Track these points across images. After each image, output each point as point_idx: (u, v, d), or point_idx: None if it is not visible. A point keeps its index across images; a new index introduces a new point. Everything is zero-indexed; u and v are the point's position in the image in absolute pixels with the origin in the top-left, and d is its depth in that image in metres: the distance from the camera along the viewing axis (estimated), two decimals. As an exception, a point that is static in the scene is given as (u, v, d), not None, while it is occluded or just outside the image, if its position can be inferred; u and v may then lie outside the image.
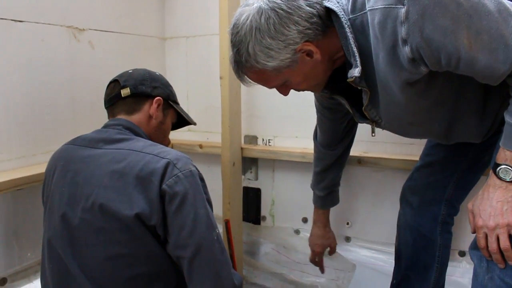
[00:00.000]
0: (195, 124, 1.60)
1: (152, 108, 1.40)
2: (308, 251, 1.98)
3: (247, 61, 1.15)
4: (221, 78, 2.00)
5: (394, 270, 1.69)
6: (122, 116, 1.38)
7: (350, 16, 1.10)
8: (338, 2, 1.11)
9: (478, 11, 0.94)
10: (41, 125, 1.75)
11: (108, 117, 1.43)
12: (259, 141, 2.26)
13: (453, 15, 0.94)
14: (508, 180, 1.02)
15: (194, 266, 1.16)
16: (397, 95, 1.13)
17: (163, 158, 1.19)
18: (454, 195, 1.55)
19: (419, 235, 1.59)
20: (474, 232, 1.10)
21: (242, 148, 2.17)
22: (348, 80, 1.14)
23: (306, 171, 2.10)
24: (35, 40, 1.71)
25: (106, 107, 1.44)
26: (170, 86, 1.51)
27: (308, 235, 2.13)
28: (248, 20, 1.10)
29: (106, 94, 1.44)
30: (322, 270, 1.97)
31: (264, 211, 2.31)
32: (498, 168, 1.03)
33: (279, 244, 2.17)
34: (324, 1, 1.13)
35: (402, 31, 0.98)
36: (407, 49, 0.99)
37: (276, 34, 1.09)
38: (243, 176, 2.27)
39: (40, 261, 1.73)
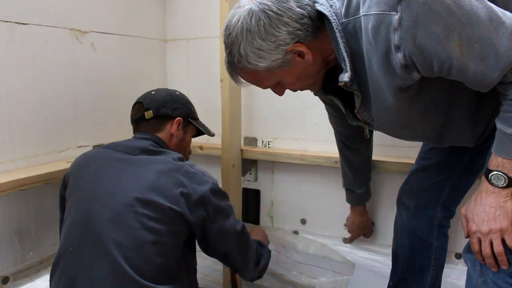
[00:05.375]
0: (213, 135, 1.74)
1: (173, 128, 1.54)
2: (307, 251, 2.07)
3: (239, 61, 1.17)
4: (221, 80, 2.02)
5: (391, 272, 1.71)
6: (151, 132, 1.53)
7: (343, 20, 1.11)
8: (331, 6, 1.13)
9: (470, 19, 0.95)
10: (44, 126, 1.77)
11: (134, 133, 1.58)
12: (259, 143, 2.28)
13: (445, 22, 0.95)
14: (500, 186, 1.04)
15: None
16: (389, 100, 1.14)
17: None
18: (450, 198, 1.57)
19: (416, 238, 1.61)
20: (467, 236, 1.12)
21: (242, 150, 2.19)
22: (339, 83, 1.16)
23: (305, 173, 2.12)
24: (39, 42, 1.73)
25: (132, 125, 1.60)
26: (190, 103, 1.64)
27: (307, 236, 2.17)
28: (239, 22, 1.12)
29: (132, 115, 1.59)
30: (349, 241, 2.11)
31: (263, 212, 2.33)
32: (490, 174, 1.05)
33: (278, 243, 2.19)
34: (316, 4, 1.14)
35: (395, 38, 0.99)
36: (400, 55, 1.00)
37: (266, 36, 1.11)
38: (242, 178, 2.28)
39: (42, 260, 1.77)
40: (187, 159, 1.61)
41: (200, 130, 1.69)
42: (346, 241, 2.11)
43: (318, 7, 1.13)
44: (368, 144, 1.78)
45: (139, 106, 1.56)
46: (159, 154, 1.41)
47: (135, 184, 1.30)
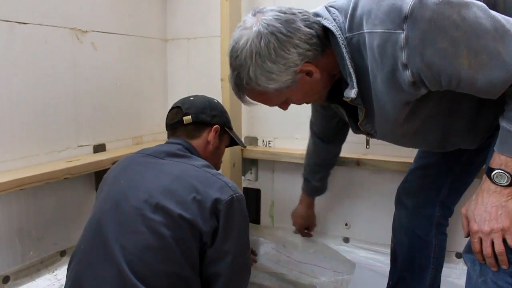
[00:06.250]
0: (245, 147, 1.76)
1: (210, 135, 1.51)
2: (308, 250, 2.07)
3: (248, 84, 1.16)
4: (222, 79, 2.03)
5: (390, 271, 1.70)
6: (183, 138, 1.48)
7: (347, 35, 1.11)
8: (335, 20, 1.12)
9: (476, 31, 0.95)
10: (44, 126, 1.77)
11: (168, 137, 1.54)
12: (259, 142, 2.28)
13: (452, 37, 0.95)
14: (503, 184, 1.03)
15: None
16: (393, 113, 1.14)
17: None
18: (448, 196, 1.56)
19: (414, 237, 1.60)
20: (467, 236, 1.12)
21: (242, 149, 2.18)
22: (344, 99, 1.16)
23: (305, 173, 2.12)
24: (39, 41, 1.73)
25: (168, 130, 1.55)
26: (226, 112, 1.62)
27: (307, 236, 2.17)
28: (248, 45, 1.11)
29: (169, 119, 1.55)
30: (307, 235, 2.12)
31: (263, 212, 2.33)
32: (493, 173, 1.04)
33: (279, 243, 2.19)
34: (319, 18, 1.14)
35: (403, 56, 0.99)
36: (407, 73, 1.00)
37: (277, 58, 1.10)
38: (243, 177, 2.29)
39: (42, 260, 1.78)
40: (218, 169, 1.59)
41: (231, 142, 1.66)
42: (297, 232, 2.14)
43: (324, 22, 1.13)
44: (342, 141, 1.80)
45: (177, 111, 1.52)
46: (184, 158, 1.38)
47: (147, 187, 1.27)
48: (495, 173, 1.04)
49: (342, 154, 1.95)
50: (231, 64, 1.18)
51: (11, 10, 1.62)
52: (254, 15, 1.15)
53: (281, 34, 1.09)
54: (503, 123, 1.03)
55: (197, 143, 1.49)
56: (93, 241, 1.27)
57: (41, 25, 1.73)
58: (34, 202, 1.74)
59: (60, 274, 1.79)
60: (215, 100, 1.60)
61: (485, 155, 1.22)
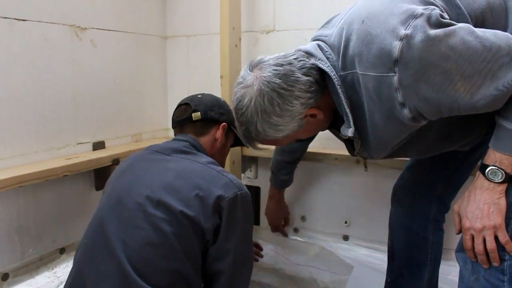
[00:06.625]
0: (248, 147, 1.71)
1: (218, 132, 1.50)
2: (307, 252, 2.04)
3: (257, 135, 1.22)
4: (221, 77, 2.02)
5: (387, 268, 1.70)
6: (190, 135, 1.48)
7: (341, 73, 1.13)
8: (328, 58, 1.15)
9: (466, 56, 0.95)
10: (43, 123, 1.78)
11: (175, 135, 1.52)
12: (259, 140, 2.27)
13: (443, 70, 0.96)
14: (496, 181, 1.03)
15: None
16: (390, 140, 1.17)
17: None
18: (444, 192, 1.56)
19: (411, 233, 1.60)
20: (459, 233, 1.12)
21: (241, 147, 2.18)
22: (340, 135, 1.20)
23: (305, 170, 2.12)
24: (38, 39, 1.73)
25: (174, 127, 1.54)
26: (232, 111, 1.59)
27: (307, 232, 2.17)
28: (252, 103, 1.15)
29: (176, 115, 1.53)
30: (285, 234, 2.16)
31: (263, 210, 2.32)
32: (487, 169, 1.04)
33: (277, 244, 2.19)
34: (315, 60, 1.16)
35: (399, 96, 1.01)
36: (406, 111, 1.03)
37: (281, 112, 1.15)
38: (242, 175, 2.28)
39: (41, 257, 1.78)
40: (224, 167, 1.57)
41: (235, 141, 1.65)
42: (273, 230, 2.14)
43: (319, 64, 1.15)
44: (312, 139, 1.83)
45: (186, 108, 1.51)
46: (189, 155, 1.38)
47: (150, 183, 1.27)
48: (490, 170, 1.04)
49: (341, 153, 1.96)
50: (237, 119, 1.23)
51: (10, 6, 1.62)
52: (252, 70, 1.18)
53: (282, 89, 1.13)
54: (500, 121, 1.03)
55: (204, 140, 1.48)
56: (95, 236, 1.27)
57: (40, 22, 1.73)
58: (33, 200, 1.74)
59: (59, 271, 1.79)
60: (221, 99, 1.61)
61: (481, 152, 1.22)
